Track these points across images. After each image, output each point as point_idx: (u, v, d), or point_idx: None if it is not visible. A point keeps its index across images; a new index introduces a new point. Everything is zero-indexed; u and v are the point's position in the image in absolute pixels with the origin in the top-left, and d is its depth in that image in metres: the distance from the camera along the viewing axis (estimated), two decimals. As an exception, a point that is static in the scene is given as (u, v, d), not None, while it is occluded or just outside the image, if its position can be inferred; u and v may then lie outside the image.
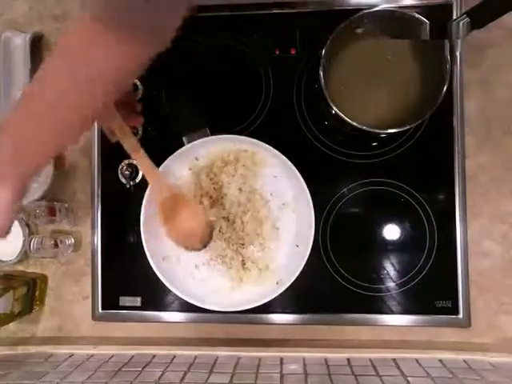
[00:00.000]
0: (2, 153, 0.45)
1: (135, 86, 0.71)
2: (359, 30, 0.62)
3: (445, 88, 0.58)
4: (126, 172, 0.70)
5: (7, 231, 0.48)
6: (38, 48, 0.73)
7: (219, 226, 0.66)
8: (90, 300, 0.71)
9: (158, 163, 0.65)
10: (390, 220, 0.68)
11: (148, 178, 0.60)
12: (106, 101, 0.46)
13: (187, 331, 0.70)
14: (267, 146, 0.64)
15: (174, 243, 0.61)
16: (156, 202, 0.60)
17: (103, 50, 0.40)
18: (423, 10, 0.66)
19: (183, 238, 0.60)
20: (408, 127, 0.60)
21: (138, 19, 0.38)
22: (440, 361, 0.62)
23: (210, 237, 0.61)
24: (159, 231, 0.67)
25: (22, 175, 0.46)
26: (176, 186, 0.63)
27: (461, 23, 0.56)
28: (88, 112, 0.45)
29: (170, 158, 0.64)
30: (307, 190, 0.63)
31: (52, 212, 0.69)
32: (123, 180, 0.70)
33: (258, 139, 0.65)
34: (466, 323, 0.66)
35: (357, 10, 0.61)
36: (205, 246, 0.61)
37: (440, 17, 0.67)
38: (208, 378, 0.58)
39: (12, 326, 0.70)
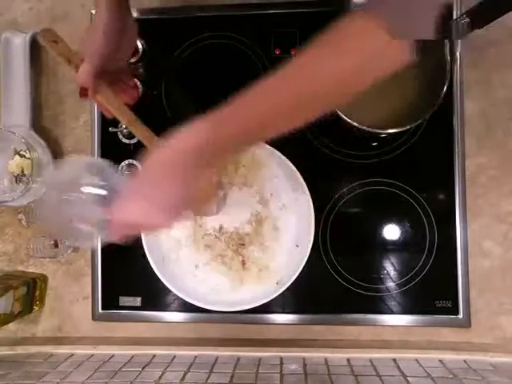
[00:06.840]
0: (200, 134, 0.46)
1: (129, 61, 0.68)
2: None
3: (445, 88, 0.58)
4: (126, 172, 0.70)
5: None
6: (37, 48, 0.73)
7: (219, 225, 0.66)
8: (90, 300, 0.71)
9: (157, 163, 0.65)
10: (390, 220, 0.68)
11: (148, 147, 0.56)
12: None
13: (187, 331, 0.69)
14: (267, 146, 0.64)
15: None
16: None
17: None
18: (423, 9, 0.66)
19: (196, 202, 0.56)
20: (408, 127, 0.60)
21: None
22: (440, 361, 0.62)
23: (224, 200, 0.61)
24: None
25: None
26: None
27: (461, 23, 0.56)
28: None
29: (169, 158, 0.64)
30: (307, 190, 0.63)
31: (52, 212, 0.69)
32: (123, 180, 0.70)
33: (257, 139, 0.65)
34: (466, 323, 0.66)
35: (357, 10, 0.61)
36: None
37: (440, 17, 0.67)
38: (208, 378, 0.58)
39: (12, 325, 0.70)
